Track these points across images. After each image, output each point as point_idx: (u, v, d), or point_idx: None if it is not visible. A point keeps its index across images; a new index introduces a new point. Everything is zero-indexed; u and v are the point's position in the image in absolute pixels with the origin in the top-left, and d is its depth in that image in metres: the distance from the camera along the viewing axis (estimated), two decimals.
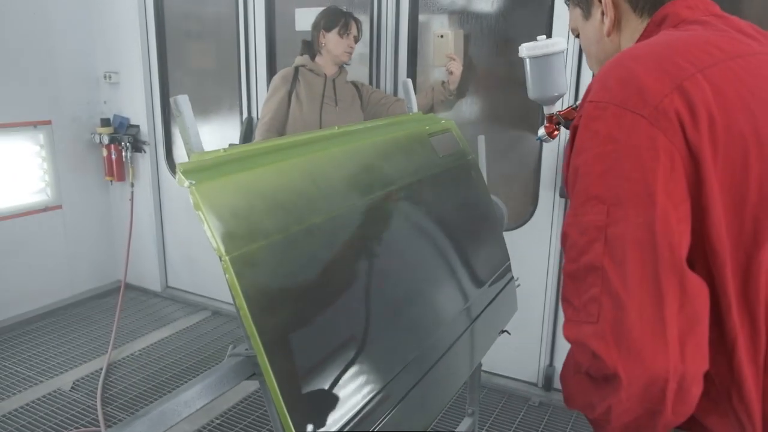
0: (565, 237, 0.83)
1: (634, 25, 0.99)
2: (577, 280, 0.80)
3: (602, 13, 1.02)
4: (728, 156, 0.77)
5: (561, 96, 1.65)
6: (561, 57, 1.60)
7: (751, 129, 0.78)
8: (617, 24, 1.01)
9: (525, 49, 1.59)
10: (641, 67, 0.81)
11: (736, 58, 0.83)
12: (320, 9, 2.86)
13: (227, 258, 0.91)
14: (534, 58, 1.59)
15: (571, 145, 0.86)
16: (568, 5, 1.13)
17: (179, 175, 0.94)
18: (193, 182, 0.93)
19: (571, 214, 0.82)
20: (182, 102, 0.99)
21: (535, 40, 1.60)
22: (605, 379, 0.77)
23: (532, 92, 1.63)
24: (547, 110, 1.64)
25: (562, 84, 1.62)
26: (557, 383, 3.01)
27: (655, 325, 0.74)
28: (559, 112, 1.63)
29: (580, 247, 0.79)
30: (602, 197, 0.78)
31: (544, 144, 2.82)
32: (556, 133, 1.64)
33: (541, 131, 1.66)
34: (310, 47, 2.85)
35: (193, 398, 0.96)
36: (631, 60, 0.83)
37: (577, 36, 1.13)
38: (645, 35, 0.97)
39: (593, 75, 1.09)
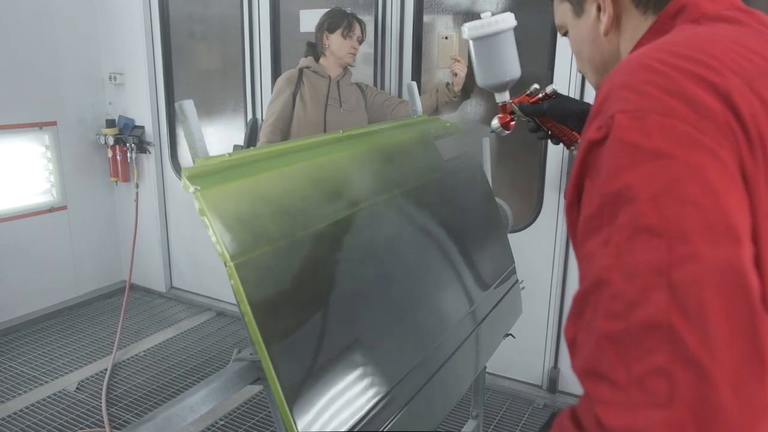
0: (599, 284, 0.60)
1: (636, 23, 0.86)
2: (624, 344, 0.56)
3: (598, 9, 0.89)
4: None
5: (513, 81, 1.45)
6: (510, 36, 1.41)
7: None
8: (616, 22, 0.88)
9: (468, 30, 1.40)
10: (680, 74, 0.65)
11: None
12: (325, 10, 2.87)
13: (232, 264, 0.91)
14: (479, 39, 1.40)
15: (581, 165, 0.68)
16: None
17: (184, 180, 0.94)
18: (199, 187, 0.93)
19: (611, 252, 0.59)
20: (187, 107, 0.99)
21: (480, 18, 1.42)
22: None
23: (481, 78, 1.45)
24: (500, 98, 1.46)
25: (514, 67, 1.43)
26: (562, 385, 3.01)
27: (760, 402, 0.53)
28: (513, 99, 1.45)
29: (630, 297, 0.56)
30: (659, 229, 0.57)
31: (550, 144, 2.82)
32: (512, 124, 1.47)
33: (495, 123, 1.48)
34: (315, 49, 2.86)
35: (198, 403, 0.96)
36: (664, 63, 0.67)
37: (565, 34, 1.01)
38: (656, 29, 0.82)
39: (595, 81, 0.99)
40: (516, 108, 1.44)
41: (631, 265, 0.58)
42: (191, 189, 0.93)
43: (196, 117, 1.00)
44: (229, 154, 1.07)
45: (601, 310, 0.59)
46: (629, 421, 0.54)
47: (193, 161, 0.99)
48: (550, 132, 1.43)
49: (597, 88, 0.90)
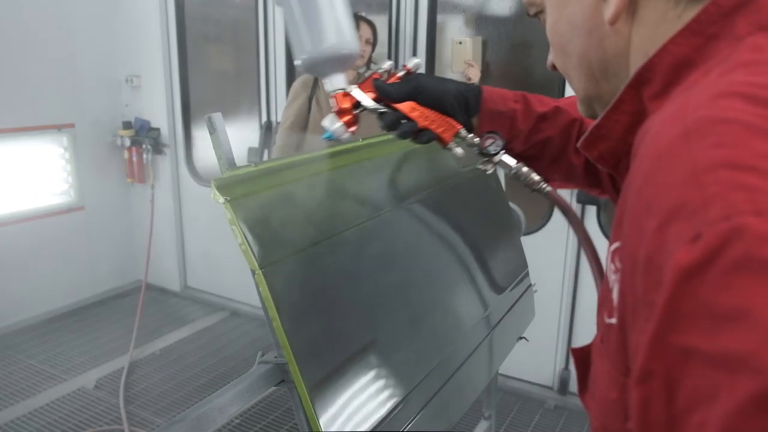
0: None
1: (662, 12, 0.55)
2: None
3: None
4: None
5: (350, 57, 0.99)
6: None
7: None
8: (631, 5, 0.57)
9: None
10: None
11: None
12: None
13: (261, 272, 0.95)
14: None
15: (671, 316, 0.38)
16: None
17: (214, 191, 0.98)
18: (228, 198, 0.97)
19: None
20: (216, 120, 1.03)
21: None
22: None
23: (298, 54, 0.97)
24: (332, 84, 1.00)
25: (348, 35, 0.99)
26: (572, 387, 3.03)
27: None
28: (359, 84, 1.00)
29: None
30: None
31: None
32: (355, 125, 1.02)
33: (329, 122, 0.99)
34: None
35: (226, 404, 1.00)
36: None
37: (535, 15, 0.74)
38: (696, 30, 0.52)
39: (583, 88, 0.67)
40: (362, 95, 0.99)
41: None
42: (221, 200, 0.96)
43: (225, 129, 1.04)
44: (255, 164, 1.10)
45: None
46: None
47: (222, 172, 1.03)
48: (417, 125, 0.99)
49: (586, 100, 0.68)
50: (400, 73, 1.02)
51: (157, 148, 4.09)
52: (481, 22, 3.05)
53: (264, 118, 3.67)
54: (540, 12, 0.71)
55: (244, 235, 0.95)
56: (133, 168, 4.11)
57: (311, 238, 1.10)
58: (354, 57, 1.01)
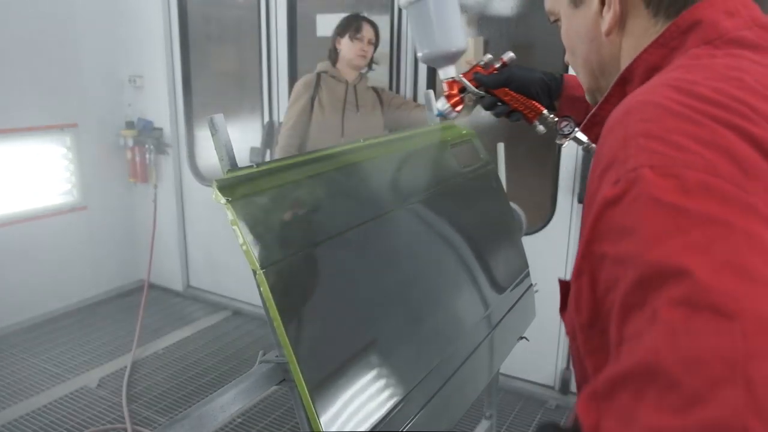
0: (648, 370, 0.47)
1: (645, 27, 0.74)
2: None
3: (602, 3, 0.77)
4: None
5: (458, 53, 1.29)
6: (451, 2, 1.27)
7: None
8: (621, 21, 0.76)
9: None
10: (715, 123, 0.55)
11: None
12: (341, 15, 2.91)
13: (262, 272, 0.95)
14: (415, 4, 1.25)
15: (594, 227, 0.57)
16: None
17: (215, 191, 0.99)
18: (230, 199, 0.98)
19: (662, 332, 0.47)
20: (218, 121, 1.04)
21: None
22: None
23: (419, 50, 1.30)
24: (444, 74, 1.29)
25: (457, 37, 1.28)
26: (574, 386, 3.04)
27: None
28: (464, 74, 1.28)
29: (693, 391, 0.44)
30: (730, 311, 0.46)
31: (563, 148, 2.85)
32: (461, 105, 1.30)
33: (441, 103, 1.31)
34: (332, 54, 2.91)
35: (227, 403, 1.01)
36: (692, 109, 0.57)
37: (555, 21, 0.90)
38: (664, 42, 0.71)
39: (587, 83, 0.87)
40: (467, 83, 1.26)
41: (692, 350, 0.46)
42: (222, 200, 0.97)
43: (227, 130, 1.05)
44: (257, 165, 1.11)
45: (648, 401, 0.47)
46: None
47: (223, 173, 1.04)
48: (510, 106, 1.27)
49: (590, 91, 0.88)
50: (497, 65, 1.28)
51: (160, 148, 4.10)
52: (483, 22, 3.05)
53: (266, 119, 3.68)
54: (557, 20, 0.88)
55: (244, 235, 0.96)
56: (136, 168, 4.12)
57: (312, 238, 1.11)
58: (461, 53, 1.30)
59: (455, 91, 1.29)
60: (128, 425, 2.80)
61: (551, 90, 1.27)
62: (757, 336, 0.44)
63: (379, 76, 3.22)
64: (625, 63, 0.76)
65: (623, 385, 0.48)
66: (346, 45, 2.82)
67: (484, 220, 1.76)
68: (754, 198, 0.51)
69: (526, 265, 1.89)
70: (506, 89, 1.26)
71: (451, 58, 1.28)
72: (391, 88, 3.20)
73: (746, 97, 0.58)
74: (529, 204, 2.94)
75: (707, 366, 0.44)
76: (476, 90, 1.26)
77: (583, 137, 1.21)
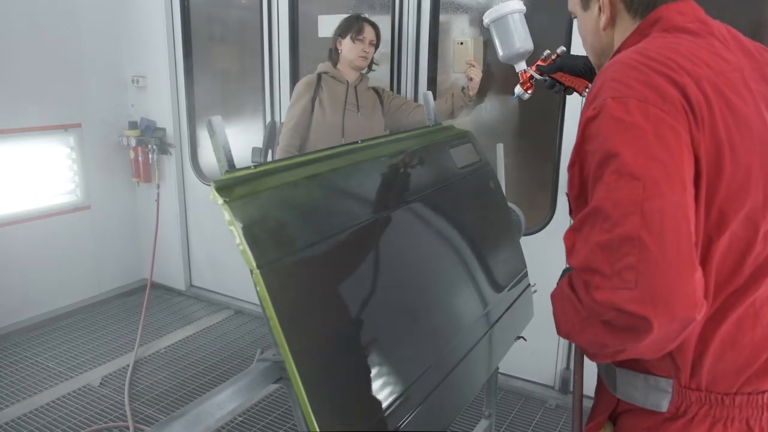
0: (596, 210, 0.90)
1: (627, 24, 1.11)
2: (609, 249, 0.86)
3: (599, 9, 1.14)
4: (709, 154, 0.93)
5: (528, 52, 1.79)
6: (520, 16, 1.78)
7: (725, 135, 0.94)
8: (612, 21, 1.14)
9: (486, 16, 1.79)
10: (652, 71, 0.94)
11: (719, 75, 0.98)
12: (342, 16, 2.93)
13: (258, 271, 0.97)
14: (494, 22, 1.78)
15: (582, 134, 0.98)
16: None
17: (213, 192, 1.00)
18: (227, 199, 0.99)
19: (604, 189, 0.89)
20: (216, 122, 1.05)
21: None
22: (628, 329, 0.87)
23: (501, 52, 1.80)
24: (519, 67, 1.79)
25: (526, 40, 1.78)
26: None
27: (689, 287, 0.84)
28: (531, 66, 1.75)
29: (615, 219, 0.86)
30: (637, 175, 0.86)
31: (563, 148, 2.86)
32: (530, 90, 1.78)
33: (518, 89, 1.79)
34: (332, 55, 2.92)
35: (225, 401, 1.03)
36: (641, 63, 0.96)
37: (574, 18, 1.25)
38: (639, 32, 1.09)
39: (595, 62, 1.26)
40: (533, 72, 1.73)
41: (617, 198, 0.87)
42: (220, 201, 0.99)
43: (225, 132, 1.06)
44: (255, 166, 1.13)
45: (595, 227, 0.89)
46: (611, 298, 0.86)
47: (221, 174, 1.05)
48: (564, 85, 1.69)
49: (597, 67, 1.25)
50: (553, 56, 1.69)
51: (163, 147, 4.12)
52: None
53: (268, 119, 3.70)
54: (575, 17, 1.24)
55: (241, 235, 0.97)
56: (139, 168, 4.14)
57: (309, 238, 1.12)
58: (530, 52, 1.80)
59: (526, 79, 1.76)
60: (130, 423, 2.82)
61: (592, 70, 1.62)
62: (650, 188, 0.86)
63: (380, 76, 3.23)
64: (617, 46, 1.13)
65: (585, 220, 0.92)
66: (347, 46, 2.83)
67: (482, 220, 1.77)
68: (666, 114, 0.91)
69: (524, 265, 1.90)
70: (561, 73, 1.68)
71: (523, 56, 1.79)
72: (391, 88, 3.21)
73: (676, 57, 0.97)
74: (529, 204, 2.95)
75: (623, 205, 0.87)
76: (540, 77, 1.71)
77: None
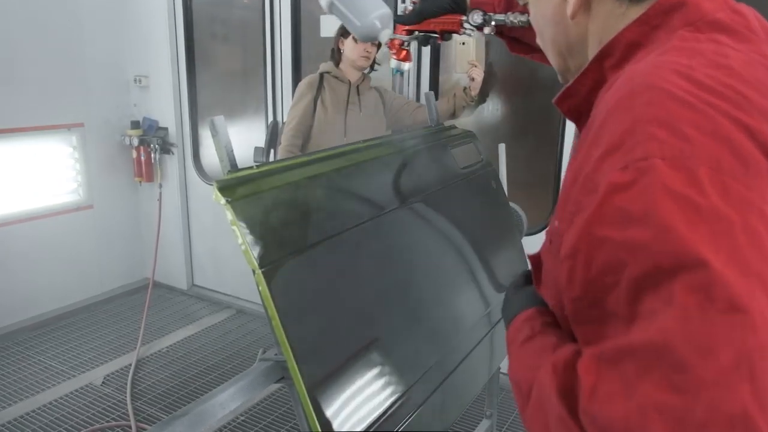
0: (659, 348, 0.50)
1: (609, 9, 0.75)
2: (681, 423, 0.48)
3: None
4: None
5: (387, 15, 1.44)
6: None
7: None
8: (586, 4, 0.76)
9: None
10: (717, 114, 0.58)
11: None
12: None
13: (260, 271, 0.97)
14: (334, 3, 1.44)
15: (597, 216, 0.57)
16: None
17: (216, 192, 1.01)
18: (230, 199, 1.00)
19: (675, 316, 0.50)
20: (218, 123, 1.06)
21: None
22: None
23: (358, 23, 1.43)
24: (384, 39, 1.47)
25: (378, 2, 1.44)
26: None
27: None
28: (396, 31, 1.47)
29: (700, 375, 0.48)
30: (740, 305, 0.49)
31: (565, 149, 2.86)
32: (408, 59, 1.51)
33: (393, 62, 1.52)
34: (334, 54, 2.92)
35: (227, 400, 1.03)
36: (695, 97, 0.59)
37: (524, 5, 0.93)
38: (645, 21, 0.72)
39: (557, 64, 0.88)
40: (400, 35, 1.46)
41: (704, 337, 0.49)
42: (222, 201, 0.99)
43: (227, 132, 1.07)
44: (257, 166, 1.13)
45: (653, 377, 0.50)
46: None
47: (224, 174, 1.05)
48: (438, 32, 1.44)
49: (561, 72, 0.88)
50: (410, 7, 1.44)
51: (165, 147, 4.13)
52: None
53: (270, 118, 3.70)
54: (526, 3, 0.90)
55: (243, 235, 0.97)
56: (141, 167, 4.15)
57: (311, 238, 1.12)
58: (389, 18, 1.44)
59: (397, 47, 1.50)
60: (132, 422, 2.82)
61: (459, 4, 1.41)
62: (762, 331, 0.48)
63: (382, 76, 3.24)
64: (593, 42, 0.78)
65: (631, 356, 0.52)
66: (349, 46, 2.83)
67: (483, 220, 1.77)
68: (753, 193, 0.55)
69: (526, 266, 1.90)
70: (427, 20, 1.42)
71: (384, 21, 1.43)
72: (393, 87, 3.21)
73: (737, 85, 0.61)
74: (531, 204, 2.95)
75: (717, 354, 0.48)
76: (409, 36, 1.46)
77: (502, 18, 1.34)
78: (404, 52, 1.50)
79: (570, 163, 0.72)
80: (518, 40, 1.39)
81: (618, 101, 0.62)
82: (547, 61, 0.92)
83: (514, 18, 1.32)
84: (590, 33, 0.78)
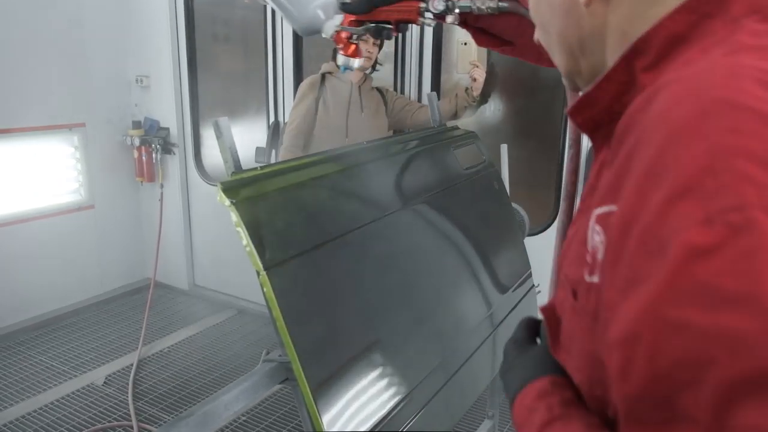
0: None
1: None
2: None
3: None
4: None
5: (328, 3, 1.27)
6: None
7: None
8: None
9: None
10: None
11: None
12: None
13: (265, 273, 0.97)
14: None
15: (674, 281, 0.41)
16: None
17: (220, 193, 1.01)
18: (234, 200, 1.00)
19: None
20: (223, 124, 1.06)
21: None
22: None
23: (297, 15, 1.29)
24: (329, 31, 1.28)
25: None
26: None
27: None
28: (344, 23, 1.25)
29: None
30: None
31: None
32: (357, 54, 1.33)
33: (341, 59, 1.32)
34: (336, 55, 2.92)
35: (231, 401, 1.03)
36: None
37: None
38: (692, 8, 0.54)
39: (565, 65, 0.69)
40: (348, 28, 1.25)
41: None
42: (227, 202, 0.99)
43: (231, 133, 1.07)
44: (261, 168, 1.13)
45: None
46: None
47: (228, 175, 1.05)
48: (391, 21, 1.23)
49: (568, 74, 0.70)
50: None
51: (166, 147, 4.13)
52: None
53: (272, 119, 3.70)
54: None
55: (248, 237, 0.98)
56: (143, 167, 4.15)
57: (315, 239, 1.13)
58: (332, 6, 1.25)
59: (344, 41, 1.28)
60: (134, 422, 2.82)
61: None
62: None
63: (384, 76, 3.24)
64: (613, 38, 0.61)
65: None
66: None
67: (486, 221, 1.77)
68: None
69: (528, 266, 1.90)
70: (378, 9, 1.21)
71: (326, 11, 1.26)
72: (395, 88, 3.22)
73: None
74: (533, 205, 2.95)
75: None
76: (358, 29, 1.24)
77: (468, 5, 1.14)
78: (353, 47, 1.29)
79: (588, 190, 0.58)
80: (486, 31, 1.19)
81: (684, 122, 0.44)
82: (524, 56, 0.79)
83: (482, 4, 1.11)
84: (610, 25, 0.60)
